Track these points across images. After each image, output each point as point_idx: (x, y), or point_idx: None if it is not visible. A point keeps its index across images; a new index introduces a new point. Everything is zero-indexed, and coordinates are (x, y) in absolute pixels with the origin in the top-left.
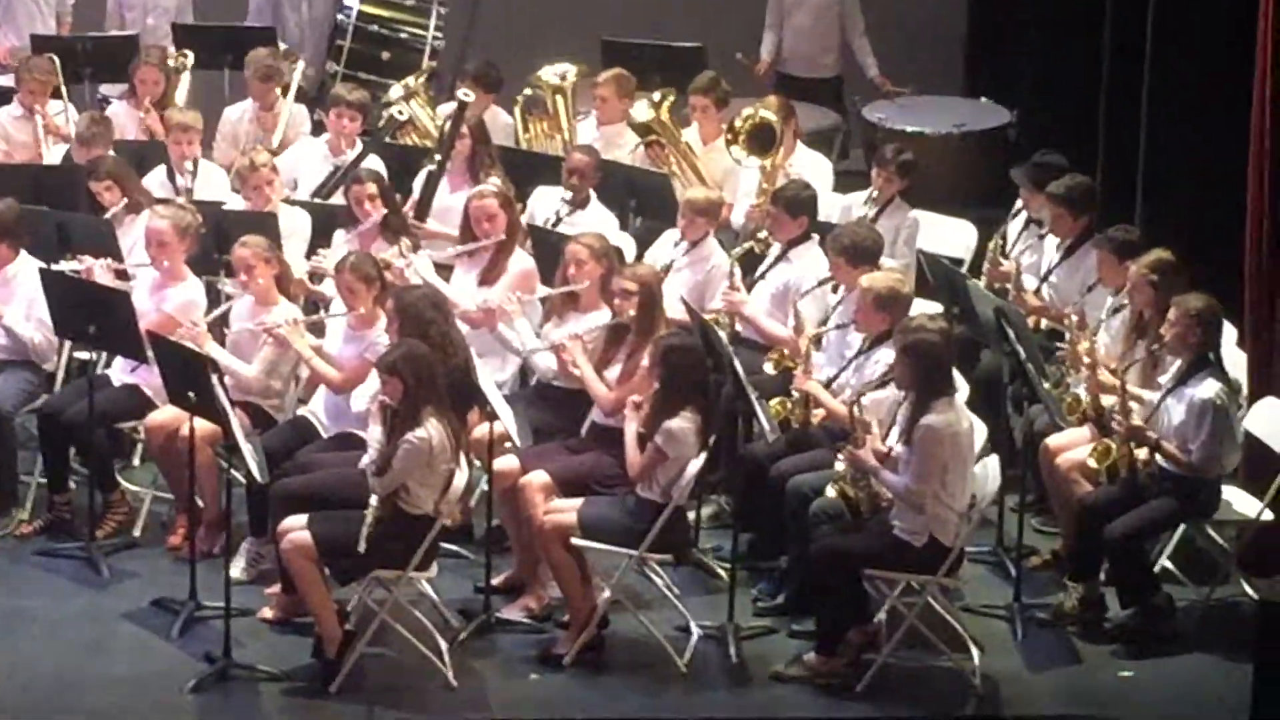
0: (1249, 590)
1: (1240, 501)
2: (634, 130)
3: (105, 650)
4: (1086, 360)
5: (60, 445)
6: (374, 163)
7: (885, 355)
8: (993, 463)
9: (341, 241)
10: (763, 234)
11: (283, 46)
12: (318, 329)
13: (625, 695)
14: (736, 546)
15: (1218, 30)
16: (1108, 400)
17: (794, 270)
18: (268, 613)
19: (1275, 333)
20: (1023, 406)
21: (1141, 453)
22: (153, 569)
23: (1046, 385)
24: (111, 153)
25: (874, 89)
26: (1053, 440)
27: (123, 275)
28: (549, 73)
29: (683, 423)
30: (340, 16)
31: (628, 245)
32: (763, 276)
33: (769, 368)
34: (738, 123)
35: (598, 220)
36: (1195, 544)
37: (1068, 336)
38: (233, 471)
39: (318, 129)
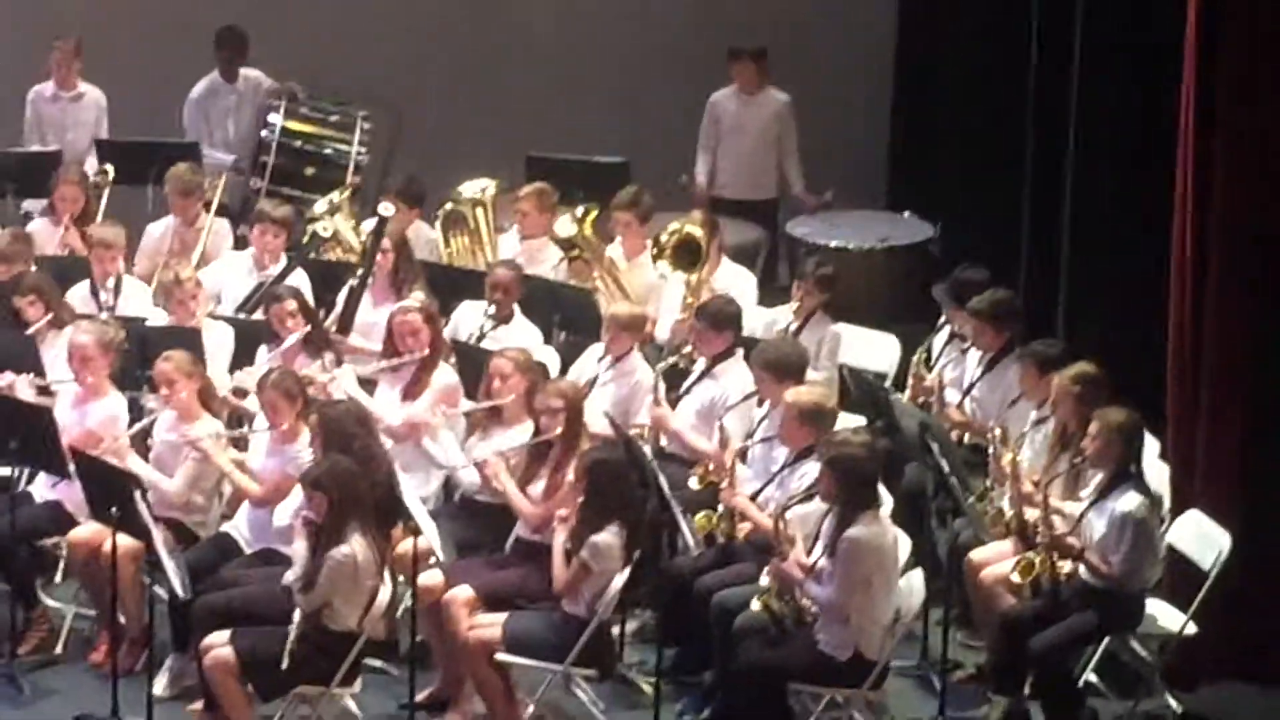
0: (1173, 703)
1: (1164, 615)
2: (557, 245)
3: None
4: (1009, 474)
5: None
6: (297, 278)
7: (811, 469)
8: (917, 576)
9: (264, 357)
10: (687, 349)
11: (212, 156)
12: (241, 444)
13: None
14: (661, 661)
15: (1140, 143)
16: (1031, 513)
17: (719, 386)
18: None
19: (1198, 446)
20: (947, 520)
21: (1065, 565)
22: (75, 685)
23: (970, 499)
24: (34, 268)
25: (798, 205)
26: (976, 554)
27: (45, 391)
28: (468, 187)
29: (608, 537)
30: (264, 133)
31: (552, 360)
32: (688, 392)
33: (694, 482)
34: (663, 237)
35: (522, 335)
36: (1119, 657)
37: (991, 451)
38: (155, 588)
39: (240, 244)
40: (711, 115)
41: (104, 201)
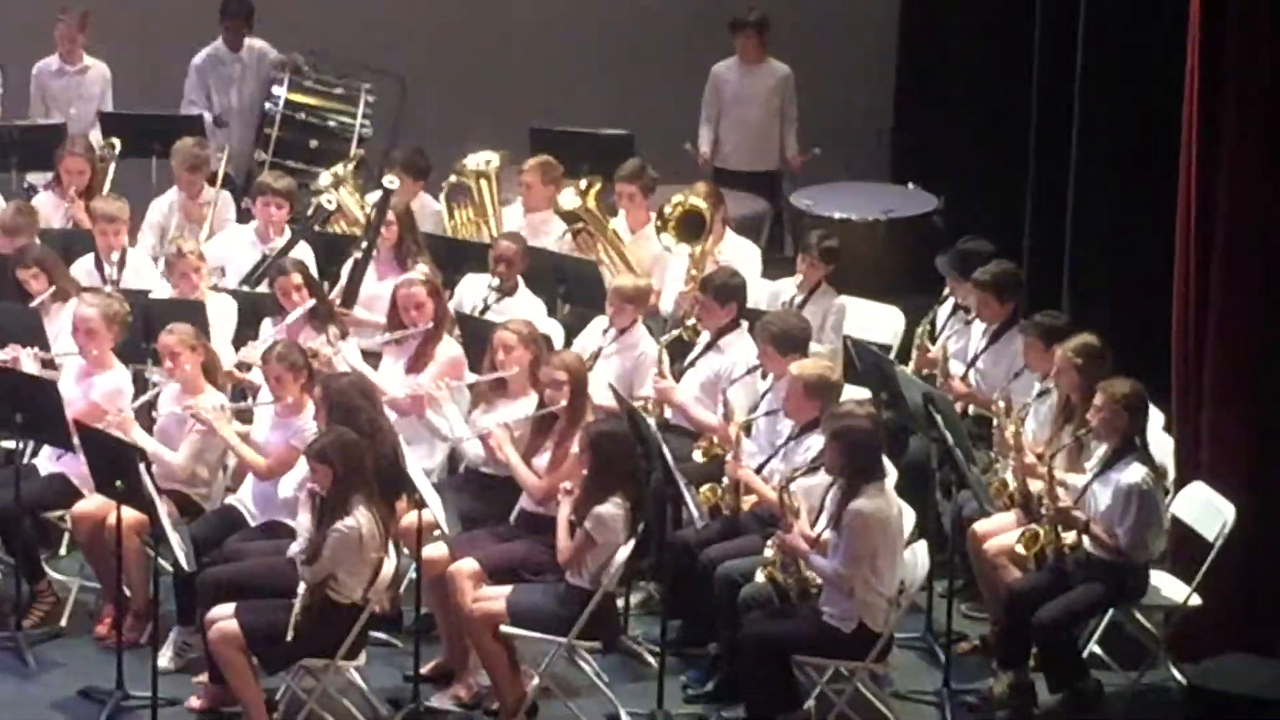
0: (1177, 675)
1: (1168, 586)
2: (561, 218)
3: None
4: (1013, 445)
5: None
6: (301, 251)
7: (815, 441)
8: (921, 548)
9: (269, 330)
10: (691, 321)
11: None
12: (245, 417)
13: None
14: (666, 633)
15: (1144, 115)
16: (1035, 485)
17: (724, 359)
18: (195, 702)
19: (1202, 417)
20: (951, 492)
21: (1068, 537)
22: (79, 658)
23: (974, 471)
24: (37, 241)
25: (785, 167)
26: (980, 526)
27: (49, 364)
28: (473, 160)
29: (612, 509)
30: (268, 105)
31: (556, 332)
32: (692, 364)
33: (698, 455)
34: (667, 210)
35: (526, 307)
36: (1124, 629)
37: (995, 422)
38: (160, 560)
39: (244, 217)
40: (713, 86)
41: (110, 175)
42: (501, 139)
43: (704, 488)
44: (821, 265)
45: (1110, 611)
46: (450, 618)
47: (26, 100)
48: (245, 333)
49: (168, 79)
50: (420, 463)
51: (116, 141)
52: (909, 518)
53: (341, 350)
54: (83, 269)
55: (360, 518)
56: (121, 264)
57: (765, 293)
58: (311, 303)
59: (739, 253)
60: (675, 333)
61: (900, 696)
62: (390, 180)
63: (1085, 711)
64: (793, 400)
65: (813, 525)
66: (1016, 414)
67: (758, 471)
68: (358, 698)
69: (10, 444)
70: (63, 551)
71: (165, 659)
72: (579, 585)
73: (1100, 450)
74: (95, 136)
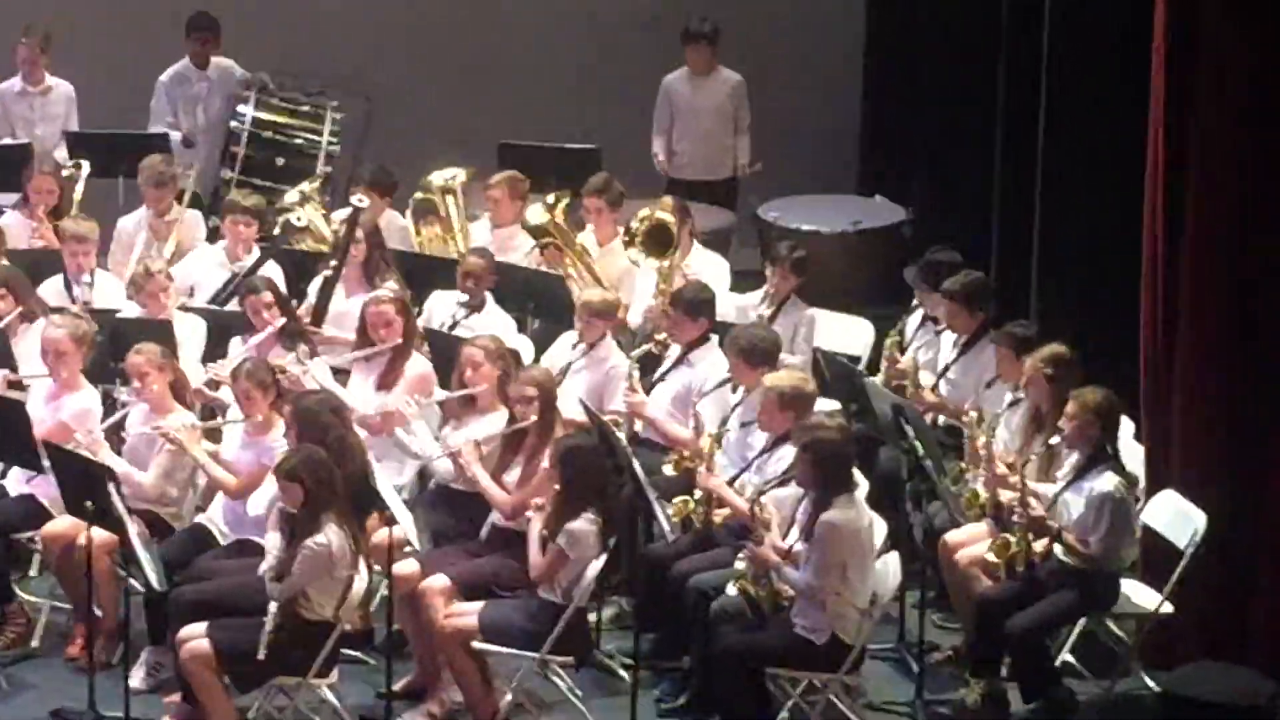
0: (1150, 683)
1: (1139, 594)
2: (529, 232)
3: None
4: (984, 456)
5: None
6: (270, 269)
7: (787, 453)
8: (893, 559)
9: (238, 348)
10: (661, 335)
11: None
12: (215, 435)
13: None
14: (638, 647)
15: (1111, 123)
16: (1006, 495)
17: (695, 373)
18: None
19: (1172, 425)
20: (922, 503)
21: (1039, 545)
22: (51, 679)
23: (945, 482)
24: (4, 262)
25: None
26: (952, 536)
27: (17, 385)
28: (439, 176)
29: (584, 524)
30: (234, 123)
31: (525, 347)
32: (663, 378)
33: (668, 469)
34: (634, 224)
35: (495, 323)
36: (1096, 637)
37: (966, 433)
38: (131, 580)
39: (213, 235)
40: (665, 97)
41: (78, 195)
42: (468, 154)
43: (676, 500)
44: (793, 276)
45: (1082, 620)
46: (422, 634)
47: None
48: (214, 351)
49: (133, 98)
50: (390, 479)
51: (84, 162)
52: (880, 529)
53: (310, 368)
54: (52, 289)
55: (331, 535)
56: (91, 285)
57: (732, 305)
58: (281, 321)
59: (707, 266)
60: (645, 347)
61: (873, 708)
62: (360, 199)
63: None
64: (767, 412)
65: (784, 537)
66: (987, 424)
67: (730, 484)
68: (330, 715)
69: None
70: (33, 572)
71: (137, 679)
72: (551, 600)
73: (1072, 459)
74: (61, 155)
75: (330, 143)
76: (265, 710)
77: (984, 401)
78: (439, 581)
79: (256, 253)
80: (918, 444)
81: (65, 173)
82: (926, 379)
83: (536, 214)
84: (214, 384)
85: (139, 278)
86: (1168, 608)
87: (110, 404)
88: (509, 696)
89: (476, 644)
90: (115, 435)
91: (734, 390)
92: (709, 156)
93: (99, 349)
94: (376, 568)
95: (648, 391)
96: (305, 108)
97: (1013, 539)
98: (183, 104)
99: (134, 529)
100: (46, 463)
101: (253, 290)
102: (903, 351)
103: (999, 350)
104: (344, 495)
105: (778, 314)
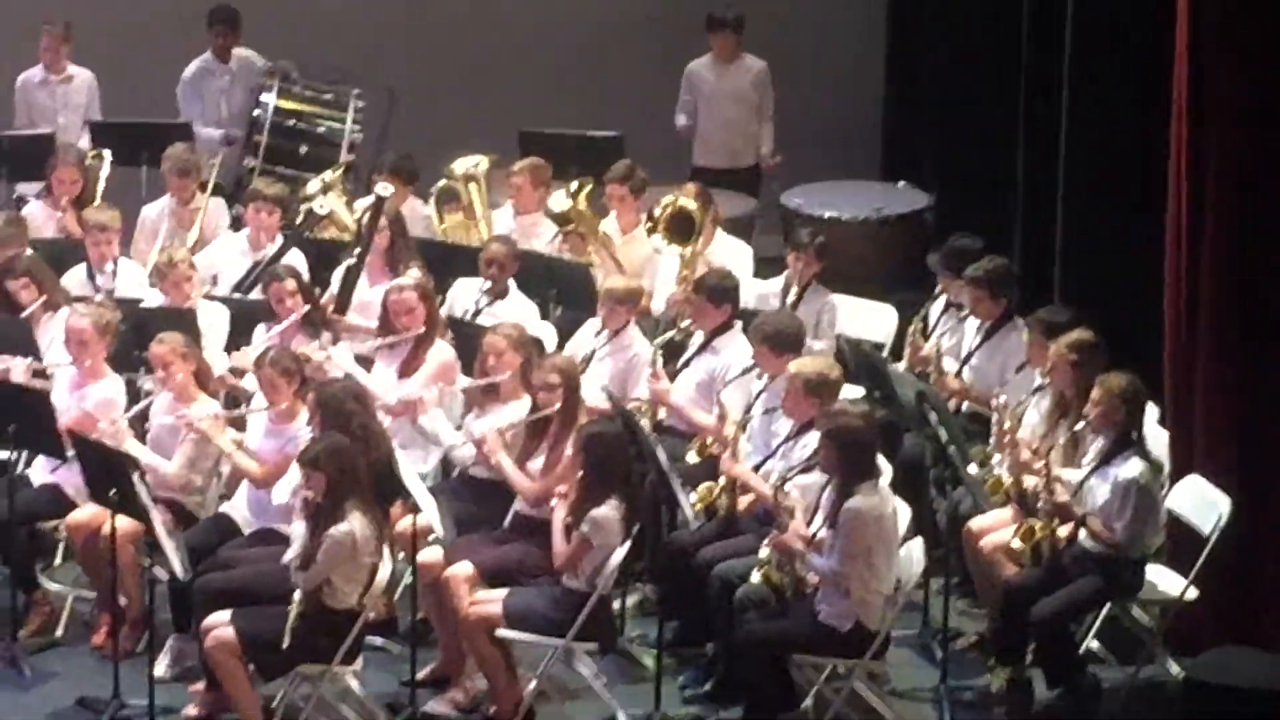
0: (1174, 668)
1: (1164, 580)
2: (552, 220)
3: None
4: (1009, 441)
5: None
6: (293, 257)
7: (812, 440)
8: (917, 546)
9: (262, 337)
10: (685, 322)
11: (202, 133)
12: (239, 424)
13: None
14: (662, 635)
15: (1133, 108)
16: (1031, 481)
17: (718, 359)
18: (192, 710)
19: (1195, 410)
20: (946, 489)
21: (1064, 531)
22: (76, 668)
23: (969, 468)
24: (28, 251)
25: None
26: (976, 523)
27: (41, 374)
28: (461, 163)
29: (608, 511)
30: (257, 111)
31: (548, 335)
32: (687, 365)
33: (692, 456)
34: (657, 211)
35: (517, 310)
36: (1120, 624)
37: (995, 417)
38: (155, 569)
39: (235, 224)
40: (689, 84)
41: (101, 184)
42: (490, 142)
43: (700, 487)
44: (816, 262)
45: (1107, 606)
46: (446, 622)
47: (11, 112)
48: (238, 340)
49: (156, 87)
50: (414, 467)
51: (106, 152)
52: (904, 515)
53: (334, 356)
54: (75, 278)
55: (354, 523)
56: (114, 274)
57: (754, 292)
58: (305, 309)
59: (730, 253)
60: (668, 334)
61: (898, 694)
62: (384, 187)
63: (1083, 706)
64: (792, 398)
65: (808, 524)
66: (1012, 410)
67: (755, 470)
68: (354, 704)
69: (4, 455)
70: (58, 561)
71: (162, 668)
72: (575, 588)
73: (1097, 444)
74: (84, 144)
75: (353, 131)
76: (290, 698)
77: (1012, 387)
78: (463, 569)
79: (279, 241)
80: (941, 430)
81: (87, 162)
82: (950, 365)
83: (559, 201)
84: (238, 372)
85: (162, 266)
86: (1192, 593)
87: (134, 393)
88: (533, 684)
89: (501, 631)
90: (139, 424)
91: (758, 377)
92: (732, 144)
93: (122, 338)
94: (400, 556)
95: (671, 379)
96: (328, 96)
97: (1037, 525)
98: (206, 97)
99: (158, 518)
100: (71, 452)
101: (276, 278)
102: (926, 338)
103: (1030, 335)
104: (368, 483)
105: (800, 300)
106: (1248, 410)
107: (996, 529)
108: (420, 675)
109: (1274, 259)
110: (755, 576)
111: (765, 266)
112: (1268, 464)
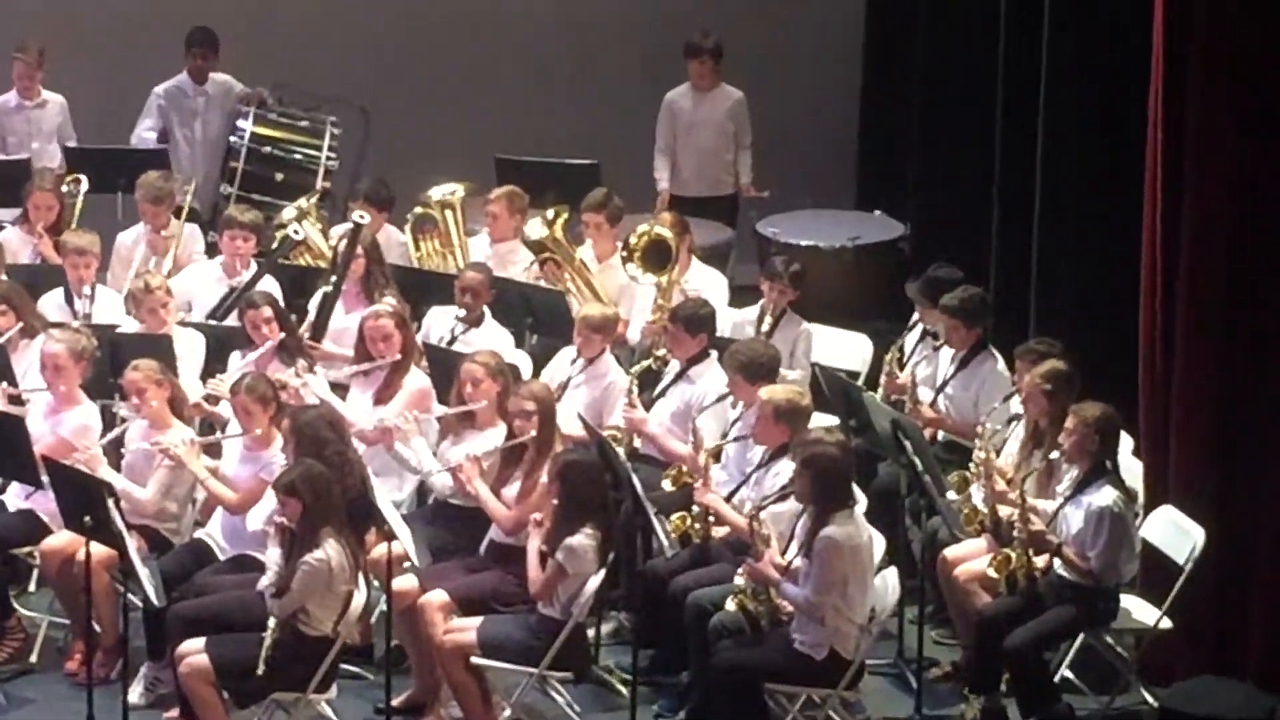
0: (1149, 698)
1: (1139, 610)
2: (528, 247)
3: None
4: (984, 471)
5: None
6: (269, 284)
7: (785, 468)
8: (892, 575)
9: (238, 363)
10: (660, 351)
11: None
12: (214, 450)
13: None
14: (637, 663)
15: (1109, 138)
16: (1005, 510)
17: (694, 388)
18: None
19: (1170, 440)
20: (921, 518)
21: (1039, 561)
22: (50, 695)
23: (944, 497)
24: (4, 277)
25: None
26: (951, 552)
27: (17, 400)
28: (437, 191)
29: (583, 539)
30: (233, 138)
31: (524, 363)
32: (663, 394)
33: (667, 484)
34: (632, 239)
35: (493, 338)
36: (1095, 653)
37: (977, 444)
38: (129, 595)
39: (211, 250)
40: (668, 114)
41: (78, 209)
42: (466, 169)
43: (675, 516)
44: (791, 291)
45: (1081, 636)
46: (421, 649)
47: None
48: (214, 366)
49: (131, 113)
50: (389, 495)
51: (83, 178)
52: (879, 544)
53: (309, 383)
54: (52, 303)
55: (330, 550)
56: (92, 299)
57: (729, 321)
58: (280, 336)
59: (705, 282)
60: (644, 363)
61: None
62: (360, 215)
63: None
64: (762, 425)
65: (783, 553)
66: (988, 440)
67: (728, 499)
68: None
69: None
70: (31, 588)
71: (136, 695)
72: (550, 616)
73: (1071, 474)
74: (56, 165)
75: (329, 158)
76: None
77: (995, 416)
78: (438, 597)
79: (254, 268)
80: (916, 459)
81: (64, 188)
82: (925, 394)
83: (535, 229)
84: (213, 399)
85: (137, 292)
86: (1167, 623)
87: (109, 419)
88: (508, 712)
89: (475, 659)
90: (114, 451)
91: (733, 405)
92: (710, 173)
93: (98, 364)
94: (375, 583)
95: (647, 407)
96: (304, 123)
97: (1013, 554)
98: (179, 118)
99: (133, 544)
100: (45, 478)
101: (252, 305)
102: (901, 367)
103: (1019, 365)
104: (343, 510)
105: (775, 329)
106: (1222, 441)
107: (971, 558)
108: (395, 702)
109: (1252, 290)
110: (730, 605)
111: (741, 295)
112: (1242, 494)
